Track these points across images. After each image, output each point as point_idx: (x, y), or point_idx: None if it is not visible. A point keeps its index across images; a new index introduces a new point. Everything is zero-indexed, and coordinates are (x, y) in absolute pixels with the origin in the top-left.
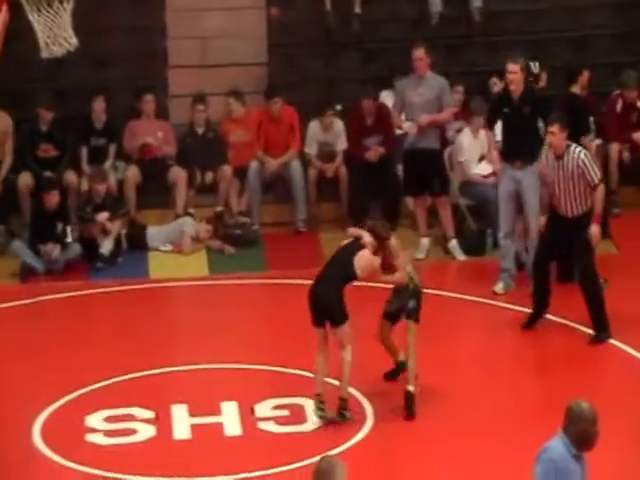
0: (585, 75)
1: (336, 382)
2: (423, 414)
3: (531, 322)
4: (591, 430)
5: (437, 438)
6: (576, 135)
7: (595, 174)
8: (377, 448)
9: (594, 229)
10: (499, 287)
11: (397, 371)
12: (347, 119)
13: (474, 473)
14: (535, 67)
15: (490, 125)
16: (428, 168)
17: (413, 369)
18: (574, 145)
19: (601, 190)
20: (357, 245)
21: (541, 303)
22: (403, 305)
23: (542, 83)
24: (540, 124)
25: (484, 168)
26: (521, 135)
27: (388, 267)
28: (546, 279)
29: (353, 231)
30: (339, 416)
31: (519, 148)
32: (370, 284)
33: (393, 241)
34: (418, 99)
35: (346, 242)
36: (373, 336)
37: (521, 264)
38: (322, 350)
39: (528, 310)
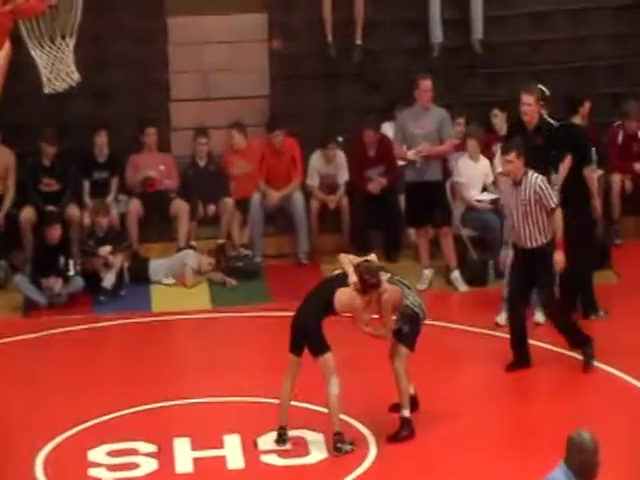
0: (586, 106)
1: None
2: (426, 442)
3: (513, 367)
4: (592, 461)
5: (440, 468)
6: (578, 166)
7: (551, 198)
8: (381, 479)
9: (558, 256)
10: (502, 318)
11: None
12: (349, 150)
13: None
14: (547, 91)
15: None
16: (430, 199)
17: (405, 393)
18: (531, 172)
19: (559, 215)
20: (342, 280)
21: (519, 353)
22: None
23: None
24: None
25: (486, 195)
26: (533, 166)
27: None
28: (522, 321)
29: (343, 260)
30: (336, 450)
31: None
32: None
33: (386, 295)
34: (420, 131)
35: (334, 274)
36: (371, 364)
37: None
38: (288, 379)
39: (530, 341)
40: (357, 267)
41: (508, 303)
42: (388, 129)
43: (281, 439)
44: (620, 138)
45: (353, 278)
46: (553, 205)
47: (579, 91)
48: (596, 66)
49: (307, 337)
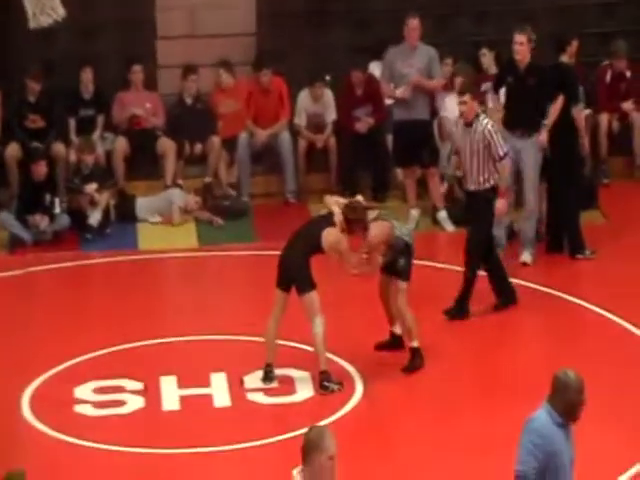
0: (574, 45)
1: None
2: (412, 381)
3: (500, 306)
4: (577, 399)
5: (427, 407)
6: (567, 104)
7: (500, 147)
8: (367, 417)
9: (499, 203)
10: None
11: (390, 344)
12: (337, 89)
13: (465, 438)
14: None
15: (495, 91)
16: (417, 138)
17: (410, 326)
18: (483, 115)
19: (505, 164)
20: (328, 221)
21: (504, 292)
22: (394, 261)
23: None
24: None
25: None
26: (524, 105)
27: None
28: (497, 260)
29: (328, 201)
30: (322, 388)
31: (521, 117)
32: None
33: (373, 232)
34: (408, 70)
35: (320, 214)
36: (355, 302)
37: (513, 233)
38: (274, 315)
39: (516, 280)
40: (343, 208)
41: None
42: (375, 68)
43: (268, 376)
44: (608, 77)
45: (339, 218)
46: (501, 153)
47: (567, 30)
48: (585, 5)
49: (293, 274)
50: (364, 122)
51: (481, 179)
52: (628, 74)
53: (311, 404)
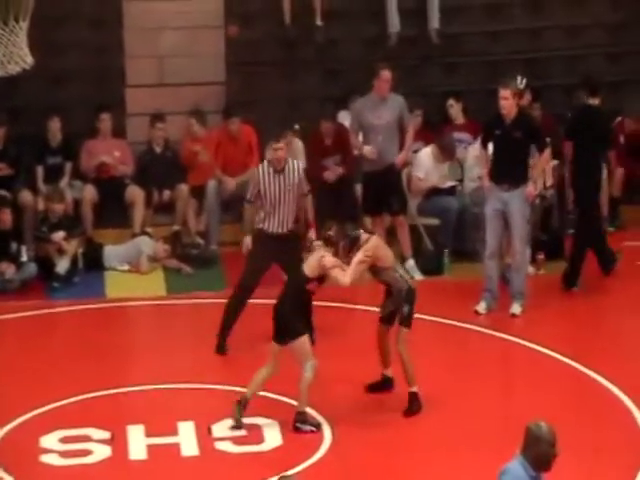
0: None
1: (294, 402)
2: (382, 428)
3: None
4: (550, 451)
5: (396, 453)
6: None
7: (306, 184)
8: (336, 465)
9: (312, 233)
10: (481, 307)
11: (381, 385)
12: (306, 139)
13: None
14: (522, 83)
15: (483, 146)
16: (387, 184)
17: (411, 373)
18: (290, 158)
19: (310, 199)
20: (307, 251)
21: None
22: (398, 308)
23: (524, 101)
24: (532, 149)
25: (442, 182)
26: (510, 158)
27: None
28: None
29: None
30: (295, 429)
31: (508, 171)
32: (349, 306)
33: (368, 244)
34: (378, 121)
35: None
36: (327, 352)
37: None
38: (267, 366)
39: (491, 332)
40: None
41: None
42: (345, 118)
43: (238, 411)
44: None
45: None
46: (307, 189)
47: (534, 81)
48: (550, 57)
49: (280, 323)
50: (333, 171)
51: (290, 223)
52: None
53: (280, 453)
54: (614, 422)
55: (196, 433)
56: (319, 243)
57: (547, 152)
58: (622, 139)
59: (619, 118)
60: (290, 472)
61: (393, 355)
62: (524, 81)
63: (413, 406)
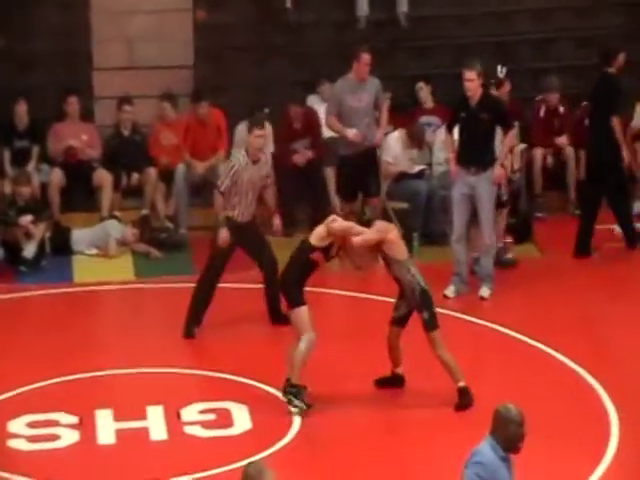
0: (620, 58)
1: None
2: (351, 416)
3: None
4: (518, 432)
5: (365, 437)
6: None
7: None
8: (305, 449)
9: (277, 219)
10: (450, 290)
11: (391, 380)
12: (275, 123)
13: (403, 473)
14: (502, 72)
15: (449, 130)
16: (365, 166)
17: (455, 369)
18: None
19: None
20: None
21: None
22: (411, 309)
23: (505, 89)
24: (498, 130)
25: (411, 167)
26: (477, 141)
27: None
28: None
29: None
30: (286, 396)
31: (475, 154)
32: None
33: (378, 226)
34: (358, 104)
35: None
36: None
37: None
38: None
39: (460, 316)
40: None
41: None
42: (314, 102)
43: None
44: (542, 113)
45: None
46: (270, 180)
47: (503, 65)
48: (518, 40)
49: (283, 289)
50: (302, 155)
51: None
52: (561, 109)
53: (249, 437)
54: (582, 403)
55: (165, 417)
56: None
57: (512, 132)
58: (588, 122)
59: (585, 102)
60: (259, 456)
61: (433, 360)
62: (504, 69)
63: (464, 400)
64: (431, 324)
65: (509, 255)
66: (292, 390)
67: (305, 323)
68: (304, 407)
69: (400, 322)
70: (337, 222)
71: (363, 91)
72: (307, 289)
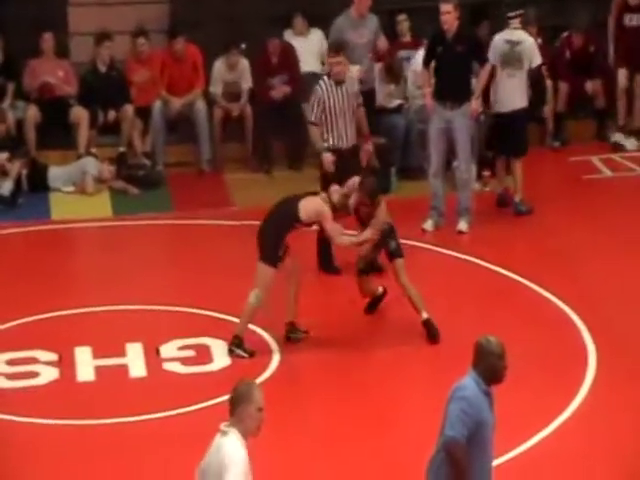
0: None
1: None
2: (327, 353)
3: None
4: (499, 364)
5: (346, 374)
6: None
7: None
8: (283, 386)
9: (367, 146)
10: (428, 224)
11: (375, 303)
12: (252, 58)
13: (382, 410)
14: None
15: (425, 64)
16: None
17: (419, 300)
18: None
19: (363, 110)
20: (311, 193)
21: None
22: (380, 252)
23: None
24: (474, 64)
25: (389, 101)
26: (453, 75)
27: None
28: None
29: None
30: (229, 352)
31: (451, 88)
32: None
33: (382, 213)
34: (360, 40)
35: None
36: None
37: None
38: (288, 280)
39: (438, 249)
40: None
41: None
42: (290, 37)
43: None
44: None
45: (332, 195)
46: (360, 100)
47: None
48: None
49: (260, 241)
50: (279, 90)
51: (354, 134)
52: (539, 41)
53: (228, 373)
54: (560, 335)
55: (144, 354)
56: (336, 189)
57: (488, 65)
58: (568, 54)
59: (565, 33)
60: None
61: (398, 289)
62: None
63: (431, 332)
64: (397, 252)
65: (487, 188)
66: (233, 341)
67: (265, 281)
68: (246, 355)
69: (366, 271)
70: (324, 214)
71: (364, 27)
72: None
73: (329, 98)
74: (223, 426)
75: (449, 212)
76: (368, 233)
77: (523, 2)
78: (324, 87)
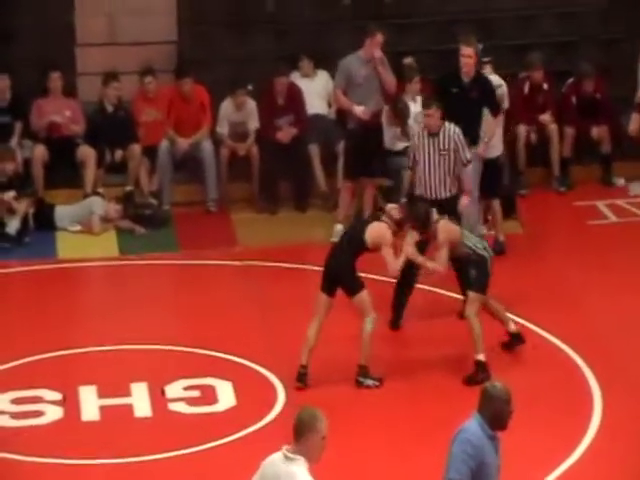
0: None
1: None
2: (334, 391)
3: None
4: (506, 409)
5: (350, 413)
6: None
7: (467, 152)
8: (290, 426)
9: (464, 200)
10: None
11: (511, 342)
12: (259, 98)
13: (390, 446)
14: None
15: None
16: (370, 144)
17: (479, 339)
18: (447, 123)
19: (471, 168)
20: (374, 218)
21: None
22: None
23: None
24: (485, 110)
25: (394, 144)
26: (465, 118)
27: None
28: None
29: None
30: (357, 383)
31: (462, 130)
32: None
33: (443, 234)
34: (368, 83)
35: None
36: (283, 316)
37: None
38: (316, 319)
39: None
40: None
41: None
42: (297, 79)
43: (301, 377)
44: (526, 89)
45: (391, 214)
46: (469, 157)
47: (485, 42)
48: (501, 17)
49: (341, 276)
50: (286, 131)
51: (447, 188)
52: (545, 86)
53: (233, 413)
54: (563, 377)
55: (149, 394)
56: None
57: (500, 117)
58: (574, 100)
59: (571, 79)
60: (244, 432)
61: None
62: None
63: (477, 375)
64: (477, 285)
65: (492, 231)
66: (360, 372)
67: (367, 305)
68: (377, 383)
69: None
70: (385, 239)
71: (372, 68)
72: None
73: (420, 146)
74: (288, 452)
75: None
76: (431, 265)
77: (529, 45)
78: (416, 137)
